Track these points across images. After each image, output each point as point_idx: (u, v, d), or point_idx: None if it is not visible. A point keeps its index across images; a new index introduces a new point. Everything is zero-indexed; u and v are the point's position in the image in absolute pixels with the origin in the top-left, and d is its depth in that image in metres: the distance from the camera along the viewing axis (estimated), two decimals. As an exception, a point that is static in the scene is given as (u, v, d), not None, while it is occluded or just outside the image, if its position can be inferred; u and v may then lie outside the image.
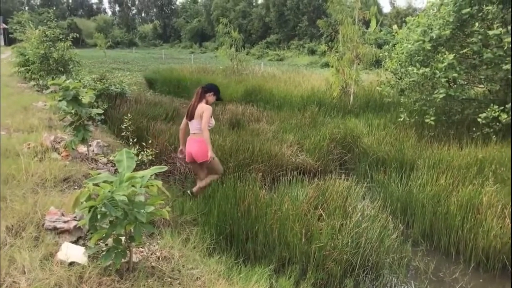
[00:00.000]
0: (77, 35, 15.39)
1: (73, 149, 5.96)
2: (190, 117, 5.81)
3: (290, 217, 4.81)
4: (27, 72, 13.90)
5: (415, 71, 8.62)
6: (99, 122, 9.06)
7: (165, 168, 3.35)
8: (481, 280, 4.79)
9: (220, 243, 4.64)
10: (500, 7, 8.23)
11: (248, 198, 5.08)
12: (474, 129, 8.25)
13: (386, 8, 77.12)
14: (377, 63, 15.78)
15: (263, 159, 7.66)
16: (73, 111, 5.80)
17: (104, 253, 3.16)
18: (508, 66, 7.47)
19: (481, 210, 5.21)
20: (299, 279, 4.21)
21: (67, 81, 5.73)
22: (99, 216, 2.95)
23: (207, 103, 5.86)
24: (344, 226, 4.79)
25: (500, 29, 7.77)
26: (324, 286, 4.35)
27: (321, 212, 5.16)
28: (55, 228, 3.58)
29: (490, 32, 7.80)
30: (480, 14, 8.40)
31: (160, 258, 3.68)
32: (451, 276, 4.86)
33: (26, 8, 75.91)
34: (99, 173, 3.13)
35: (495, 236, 4.83)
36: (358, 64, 13.41)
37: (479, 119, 7.95)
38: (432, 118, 8.57)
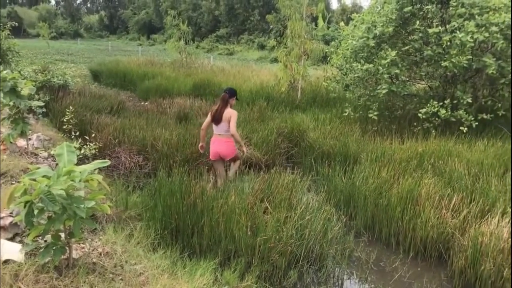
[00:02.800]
0: (16, 23, 14.71)
1: (11, 142, 5.72)
2: (217, 121, 6.30)
3: (236, 210, 4.82)
4: (-41, 61, 13.14)
5: (359, 67, 8.83)
6: (40, 115, 8.72)
7: (108, 162, 3.28)
8: (419, 269, 4.99)
9: (165, 238, 4.60)
10: (438, 6, 8.57)
11: (194, 192, 5.05)
12: (415, 124, 8.56)
13: (334, 5, 78.34)
14: (324, 59, 16.07)
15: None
16: (11, 103, 5.55)
17: (42, 249, 3.06)
18: (446, 63, 7.78)
19: (420, 201, 5.43)
20: (244, 272, 4.23)
21: (5, 72, 5.48)
22: (35, 212, 2.85)
23: (231, 106, 6.42)
24: (289, 218, 4.84)
25: (440, 27, 8.10)
26: (268, 278, 4.40)
27: (267, 205, 5.21)
28: (-11, 225, 3.43)
29: (430, 30, 8.12)
30: (421, 13, 8.71)
31: (102, 254, 3.60)
32: (391, 266, 5.03)
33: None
34: (39, 168, 3.02)
35: (432, 226, 5.05)
36: (306, 59, 13.59)
37: (419, 114, 8.26)
38: (375, 113, 8.82)
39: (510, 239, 4.37)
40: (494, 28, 7.55)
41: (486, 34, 7.56)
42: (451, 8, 8.18)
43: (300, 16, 13.06)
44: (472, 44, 7.65)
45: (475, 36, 7.58)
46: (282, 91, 13.12)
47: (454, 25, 7.90)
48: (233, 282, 3.98)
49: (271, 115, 10.69)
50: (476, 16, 7.79)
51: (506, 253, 4.28)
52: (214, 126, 6.39)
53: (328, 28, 32.54)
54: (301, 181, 6.10)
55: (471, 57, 7.73)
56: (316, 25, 14.61)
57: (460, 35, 7.59)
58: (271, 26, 43.00)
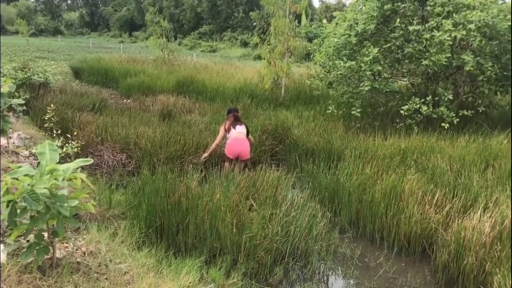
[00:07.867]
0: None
1: (-9, 141, 5.62)
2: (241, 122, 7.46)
3: (221, 208, 4.82)
4: None
5: (342, 64, 8.87)
6: (20, 113, 8.58)
7: (90, 161, 3.24)
8: (403, 264, 5.05)
9: (149, 236, 4.58)
10: (416, 4, 8.65)
11: (178, 190, 5.02)
12: (397, 120, 8.64)
13: (316, 3, 78.08)
14: (307, 56, 16.08)
15: (195, 150, 7.61)
16: (-10, 102, 5.44)
17: (24, 249, 3.01)
18: (426, 62, 7.86)
19: (403, 197, 5.48)
20: (230, 269, 4.24)
21: (-17, 70, 5.38)
22: (18, 211, 2.81)
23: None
24: (274, 215, 4.86)
25: (420, 25, 8.17)
26: (254, 275, 4.41)
27: (252, 202, 5.21)
28: (-31, 226, 3.36)
29: (410, 28, 8.19)
30: (401, 11, 8.78)
31: (86, 253, 3.56)
32: (375, 261, 5.08)
33: None
34: (20, 167, 2.97)
35: (416, 222, 5.11)
36: (290, 57, 13.58)
37: (401, 111, 8.33)
38: (359, 110, 8.87)
39: (492, 233, 4.45)
40: (471, 26, 7.64)
41: (464, 32, 7.65)
42: (429, 8, 8.27)
43: (283, 13, 13.06)
44: (451, 43, 7.74)
45: (453, 34, 7.67)
46: (266, 89, 13.11)
47: (432, 24, 7.98)
48: (219, 280, 3.97)
49: (255, 112, 10.68)
50: (454, 14, 7.87)
51: (488, 247, 4.35)
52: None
53: (311, 25, 32.61)
54: (286, 178, 6.13)
55: (450, 55, 7.82)
56: (299, 22, 14.58)
57: (438, 34, 7.67)
58: (254, 23, 42.93)
